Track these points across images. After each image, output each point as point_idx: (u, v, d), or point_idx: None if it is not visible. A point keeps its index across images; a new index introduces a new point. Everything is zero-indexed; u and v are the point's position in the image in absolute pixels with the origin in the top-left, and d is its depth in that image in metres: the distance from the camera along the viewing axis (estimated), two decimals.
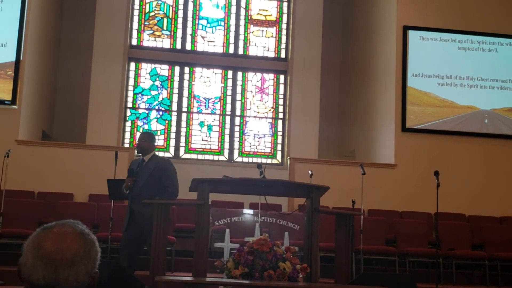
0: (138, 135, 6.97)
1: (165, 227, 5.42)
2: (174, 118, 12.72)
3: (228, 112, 12.90)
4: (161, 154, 12.25)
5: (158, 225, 5.37)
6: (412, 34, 11.59)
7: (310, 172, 9.23)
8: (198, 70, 12.95)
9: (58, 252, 1.54)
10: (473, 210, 10.97)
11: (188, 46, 13.00)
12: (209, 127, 12.78)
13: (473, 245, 9.84)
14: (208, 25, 13.12)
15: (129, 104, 12.61)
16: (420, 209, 10.70)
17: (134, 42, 12.80)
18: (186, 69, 12.90)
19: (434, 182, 7.98)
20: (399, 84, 11.44)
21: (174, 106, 12.75)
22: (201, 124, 12.78)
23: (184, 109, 12.77)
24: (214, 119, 12.85)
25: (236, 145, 12.84)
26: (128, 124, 12.53)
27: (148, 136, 6.85)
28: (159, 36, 12.95)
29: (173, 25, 13.01)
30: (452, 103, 11.59)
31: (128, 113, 12.58)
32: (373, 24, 12.71)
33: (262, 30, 13.27)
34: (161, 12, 13.01)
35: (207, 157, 12.68)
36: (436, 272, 8.58)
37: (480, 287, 9.28)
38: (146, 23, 12.93)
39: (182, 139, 12.68)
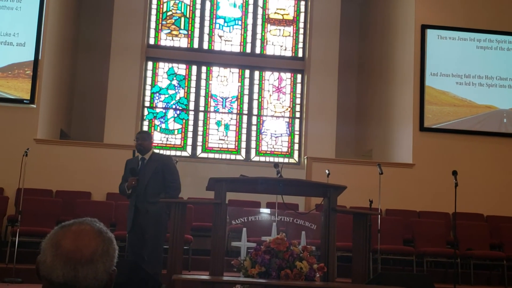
0: (137, 135, 6.99)
1: (182, 226, 5.44)
2: (191, 117, 12.74)
3: (245, 111, 12.90)
4: (178, 153, 12.29)
5: (175, 224, 5.39)
6: (430, 33, 11.52)
7: (327, 171, 9.21)
8: (215, 69, 12.96)
9: (76, 250, 1.55)
10: (491, 210, 10.89)
11: (205, 45, 13.02)
12: (226, 126, 12.79)
13: (491, 245, 9.78)
14: (225, 24, 13.13)
15: (147, 103, 12.65)
16: (438, 209, 10.65)
17: (151, 41, 12.84)
18: (203, 68, 12.91)
19: (452, 182, 7.93)
20: (417, 83, 11.38)
21: (191, 105, 12.77)
22: (218, 123, 12.79)
23: (201, 108, 12.79)
24: (231, 118, 12.86)
25: (253, 144, 12.83)
26: (146, 123, 12.57)
27: (148, 135, 6.99)
28: (176, 36, 12.98)
29: (190, 25, 13.04)
30: (471, 103, 11.51)
31: (146, 112, 12.62)
32: (391, 23, 12.65)
33: (279, 29, 13.25)
34: (178, 11, 13.03)
35: (224, 156, 12.69)
36: (454, 272, 8.53)
37: None
38: (164, 22, 12.96)
39: (199, 138, 12.69)
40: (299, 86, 13.08)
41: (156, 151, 7.21)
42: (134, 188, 6.48)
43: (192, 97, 12.79)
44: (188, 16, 13.05)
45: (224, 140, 12.75)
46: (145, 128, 12.46)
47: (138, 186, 6.48)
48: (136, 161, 6.74)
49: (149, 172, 6.57)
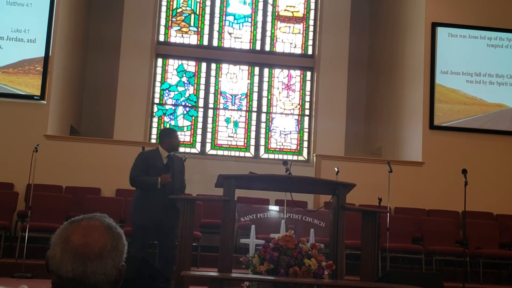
0: (177, 134, 7.04)
1: (191, 222, 5.45)
2: (200, 114, 12.75)
3: (255, 109, 12.90)
4: (187, 150, 12.31)
5: (185, 221, 5.40)
6: (440, 30, 11.48)
7: (336, 169, 9.20)
8: (224, 66, 12.97)
9: (86, 246, 1.55)
10: (501, 209, 10.85)
11: (215, 43, 13.02)
12: (235, 124, 12.79)
13: (501, 244, 9.75)
14: (235, 21, 13.13)
15: (156, 100, 12.67)
16: (448, 208, 10.61)
17: (161, 38, 12.85)
18: (213, 66, 12.92)
19: (462, 180, 7.91)
20: (427, 81, 11.34)
21: (201, 102, 12.78)
22: (227, 120, 12.80)
23: (211, 105, 12.80)
24: (241, 116, 12.86)
25: (262, 141, 12.83)
26: (155, 120, 12.60)
27: None
28: (186, 33, 12.99)
29: (200, 22, 13.04)
30: (481, 101, 11.46)
31: (155, 109, 12.64)
32: (401, 21, 12.61)
33: (289, 27, 13.24)
34: (188, 8, 13.04)
35: (233, 153, 12.70)
36: (463, 271, 8.51)
37: (508, 287, 9.18)
38: (174, 19, 12.98)
39: (209, 135, 12.71)
40: (308, 84, 13.07)
41: (181, 150, 7.26)
42: (165, 184, 6.51)
43: (202, 94, 12.81)
44: (198, 13, 13.06)
45: (233, 137, 12.76)
46: (155, 125, 12.51)
47: (169, 183, 6.54)
48: (157, 156, 6.70)
49: (177, 171, 6.65)
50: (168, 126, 12.28)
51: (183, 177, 6.77)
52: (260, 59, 13.02)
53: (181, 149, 12.08)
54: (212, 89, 12.84)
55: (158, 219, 6.39)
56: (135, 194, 6.72)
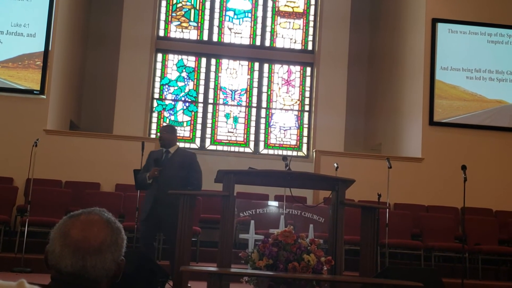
0: (160, 128, 7.12)
1: (190, 217, 5.45)
2: (200, 109, 12.75)
3: (254, 104, 12.89)
4: (187, 145, 12.30)
5: (184, 216, 5.40)
6: (441, 26, 11.47)
7: (335, 165, 9.20)
8: (224, 61, 12.96)
9: (85, 240, 1.56)
10: (500, 205, 10.86)
11: (215, 38, 13.01)
12: (235, 119, 12.79)
13: (500, 240, 9.76)
14: (235, 16, 13.11)
15: (156, 95, 12.67)
16: (447, 204, 10.62)
17: (161, 33, 12.84)
18: (213, 61, 12.91)
19: (461, 176, 7.91)
20: (427, 77, 11.33)
21: (200, 98, 12.78)
22: (227, 115, 12.79)
23: (210, 100, 12.79)
24: (240, 111, 12.86)
25: (262, 137, 12.83)
26: (155, 115, 12.59)
27: (170, 128, 6.99)
28: (186, 28, 12.98)
29: (200, 17, 13.03)
30: (481, 97, 11.46)
31: (155, 104, 12.64)
32: (402, 17, 12.60)
33: (289, 22, 13.22)
34: (188, 3, 13.03)
35: (232, 148, 12.70)
36: (462, 267, 8.51)
37: (507, 283, 9.20)
38: (174, 14, 12.96)
39: (208, 131, 12.70)
40: (308, 79, 13.06)
41: (181, 145, 7.21)
42: (156, 178, 6.50)
43: (201, 89, 12.80)
44: (198, 8, 13.04)
45: (232, 132, 12.76)
46: (154, 120, 12.50)
47: (160, 177, 6.49)
48: (160, 152, 6.77)
49: (174, 166, 6.59)
50: (167, 122, 12.33)
51: (194, 174, 6.62)
52: (260, 54, 13.02)
53: (181, 144, 12.13)
54: (212, 85, 12.84)
55: (155, 214, 6.40)
56: None
